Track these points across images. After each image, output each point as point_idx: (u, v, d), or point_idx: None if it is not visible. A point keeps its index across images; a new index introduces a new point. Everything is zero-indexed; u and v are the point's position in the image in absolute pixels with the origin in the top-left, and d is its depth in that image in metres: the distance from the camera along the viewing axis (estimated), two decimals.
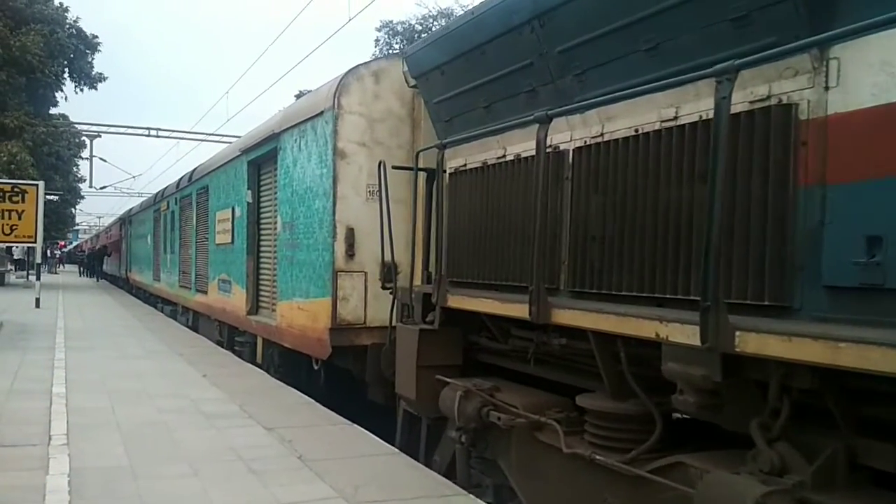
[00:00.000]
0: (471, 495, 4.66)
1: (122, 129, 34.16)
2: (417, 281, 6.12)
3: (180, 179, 17.18)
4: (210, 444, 5.78)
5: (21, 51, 26.18)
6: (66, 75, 31.86)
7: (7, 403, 7.07)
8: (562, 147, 4.32)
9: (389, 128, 7.31)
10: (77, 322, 16.04)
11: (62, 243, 67.88)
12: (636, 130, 3.74)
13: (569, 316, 3.86)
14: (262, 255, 10.35)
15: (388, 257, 5.96)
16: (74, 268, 61.08)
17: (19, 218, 18.88)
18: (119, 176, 54.05)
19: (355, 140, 7.21)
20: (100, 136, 33.96)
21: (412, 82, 6.63)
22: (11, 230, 18.92)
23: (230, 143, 16.28)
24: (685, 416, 3.66)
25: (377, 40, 35.96)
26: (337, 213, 7.14)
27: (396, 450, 5.75)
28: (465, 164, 5.39)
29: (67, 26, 31.48)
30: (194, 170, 15.65)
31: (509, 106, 4.82)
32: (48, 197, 26.57)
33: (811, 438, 2.88)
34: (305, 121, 7.97)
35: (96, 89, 33.61)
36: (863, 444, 2.78)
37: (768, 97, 3.05)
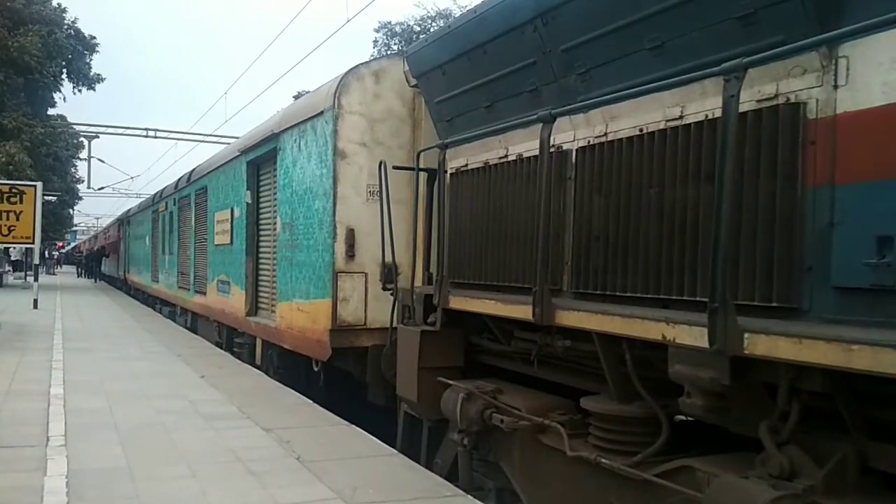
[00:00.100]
0: (469, 496, 4.63)
1: (120, 130, 34.07)
2: (418, 282, 6.08)
3: (179, 180, 17.13)
4: (208, 444, 5.76)
5: (19, 51, 26.15)
6: (64, 76, 31.83)
7: (5, 404, 7.04)
8: (565, 147, 4.28)
9: (390, 128, 7.26)
10: (75, 323, 16.00)
11: (60, 244, 67.75)
12: (641, 130, 3.70)
13: (573, 317, 3.82)
14: (261, 255, 10.30)
15: (388, 258, 5.93)
16: (72, 269, 61.00)
17: (17, 219, 18.81)
18: (117, 177, 54.17)
19: (355, 140, 7.16)
20: (98, 137, 33.90)
21: (413, 82, 6.60)
22: (9, 231, 18.86)
23: (228, 143, 16.24)
24: (689, 418, 3.63)
25: (375, 41, 35.98)
26: (337, 213, 7.10)
27: (395, 451, 5.73)
28: (466, 165, 5.35)
29: (66, 27, 31.45)
30: (193, 170, 15.60)
31: (511, 105, 4.78)
32: (46, 198, 26.49)
33: (821, 442, 2.85)
34: (305, 121, 7.93)
35: (94, 90, 33.64)
36: (874, 448, 2.74)
37: (776, 96, 3.01)
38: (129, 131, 34.22)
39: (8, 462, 5.12)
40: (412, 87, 6.93)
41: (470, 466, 5.18)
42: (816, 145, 2.84)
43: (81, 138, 36.04)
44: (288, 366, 8.95)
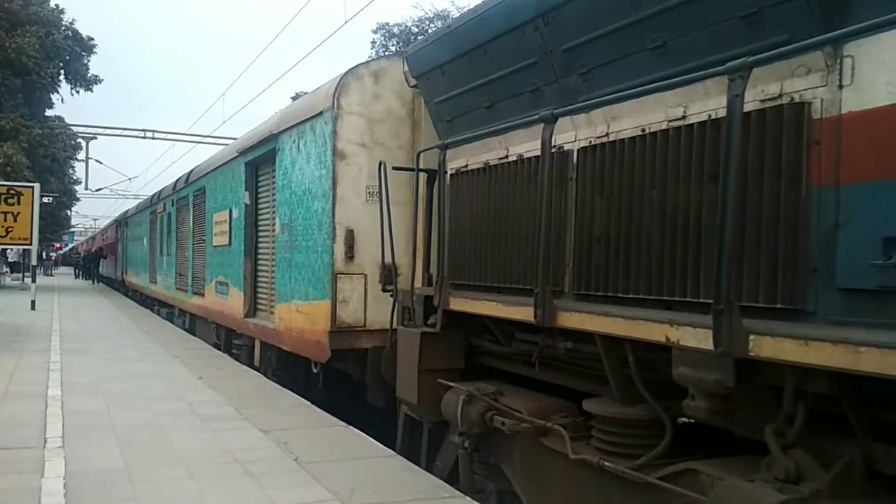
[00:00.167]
0: (467, 498, 4.62)
1: (118, 131, 33.97)
2: (418, 283, 6.05)
3: (177, 181, 17.09)
4: (206, 446, 5.75)
5: (17, 52, 26.11)
6: (61, 77, 31.76)
7: (2, 406, 7.02)
8: (566, 147, 4.26)
9: (389, 128, 7.24)
10: (73, 324, 15.96)
11: (58, 245, 67.67)
12: (643, 130, 3.68)
13: (575, 319, 3.79)
14: (259, 257, 10.27)
15: (388, 259, 5.90)
16: (70, 270, 60.88)
17: (15, 220, 18.80)
18: (115, 178, 53.83)
19: (355, 141, 7.14)
20: (96, 138, 33.84)
21: (413, 82, 6.57)
22: (7, 232, 18.84)
23: (226, 144, 16.20)
24: (691, 420, 3.60)
25: (373, 42, 36.04)
26: (336, 214, 7.07)
27: (393, 452, 5.72)
28: (466, 165, 5.32)
29: (63, 28, 31.38)
30: (191, 171, 15.55)
31: (512, 106, 4.76)
32: (44, 199, 26.46)
33: (827, 445, 2.82)
34: (304, 121, 7.90)
35: (92, 91, 33.57)
36: (881, 451, 2.72)
37: (780, 96, 2.99)
38: (126, 132, 34.16)
39: (5, 464, 5.11)
40: (412, 87, 6.90)
41: (471, 469, 5.15)
42: (821, 145, 2.81)
43: (79, 139, 36.02)
44: (287, 367, 8.92)
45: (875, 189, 2.61)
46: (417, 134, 7.21)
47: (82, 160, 35.65)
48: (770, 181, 2.95)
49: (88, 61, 33.18)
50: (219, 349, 11.98)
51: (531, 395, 4.73)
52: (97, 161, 35.45)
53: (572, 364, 4.35)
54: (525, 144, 4.60)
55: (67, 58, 31.44)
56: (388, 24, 35.63)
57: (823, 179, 2.79)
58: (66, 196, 42.44)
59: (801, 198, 2.85)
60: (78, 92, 33.15)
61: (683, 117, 3.46)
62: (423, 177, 5.86)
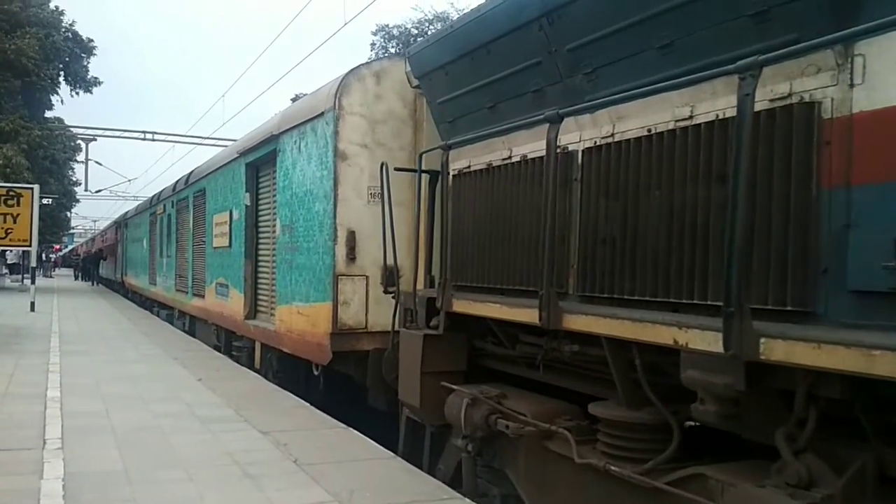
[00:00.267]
0: (466, 499, 4.61)
1: (117, 133, 33.95)
2: (420, 285, 6.01)
3: (177, 182, 17.05)
4: (205, 448, 5.75)
5: (16, 54, 26.09)
6: (61, 79, 31.76)
7: (2, 407, 7.01)
8: (570, 148, 4.21)
9: (391, 129, 7.20)
10: (72, 326, 15.94)
11: (57, 247, 67.65)
12: (649, 130, 3.64)
13: (581, 321, 3.75)
14: (260, 258, 10.23)
15: (390, 261, 5.87)
16: (69, 271, 60.84)
17: (14, 221, 18.77)
18: (115, 179, 54.10)
19: (356, 141, 7.10)
20: (95, 140, 33.78)
21: (415, 82, 6.52)
22: (6, 234, 18.81)
23: (226, 146, 16.16)
24: (696, 424, 3.56)
25: (373, 44, 36.04)
26: (338, 215, 7.03)
27: (392, 454, 5.70)
28: (469, 166, 5.28)
29: (63, 30, 31.39)
30: (191, 173, 15.52)
31: (515, 106, 4.72)
32: (43, 200, 26.39)
33: (839, 450, 2.77)
34: (305, 122, 7.86)
35: (92, 93, 33.60)
36: (893, 456, 2.67)
37: (789, 95, 2.94)
38: (126, 134, 34.14)
39: (4, 465, 5.11)
40: (414, 87, 6.86)
41: (474, 473, 5.11)
42: (832, 146, 2.77)
43: (79, 141, 35.97)
44: (287, 370, 8.88)
45: (887, 190, 2.56)
46: (419, 135, 7.17)
47: (82, 162, 35.70)
48: (780, 182, 2.90)
49: (88, 63, 33.26)
50: (219, 351, 11.95)
51: (535, 398, 4.69)
52: (97, 162, 35.48)
53: (577, 367, 4.30)
54: (529, 145, 4.56)
55: (67, 59, 31.47)
56: (387, 25, 35.70)
57: (834, 180, 2.75)
58: (65, 197, 42.39)
59: (812, 199, 2.81)
60: (77, 93, 33.23)
61: (690, 117, 3.42)
62: (425, 178, 5.82)
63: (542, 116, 4.03)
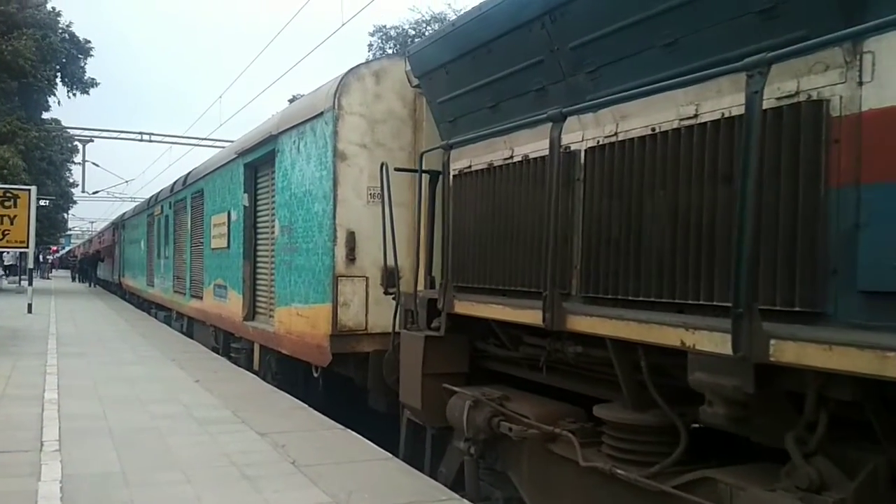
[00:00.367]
0: (464, 500, 4.58)
1: (114, 134, 33.90)
2: (421, 286, 5.97)
3: (174, 183, 16.99)
4: (203, 449, 5.73)
5: (13, 55, 26.03)
6: (58, 80, 31.68)
7: None
8: (573, 147, 4.17)
9: (391, 129, 7.16)
10: (69, 327, 15.89)
11: (55, 248, 67.54)
12: (653, 129, 3.59)
13: (585, 323, 3.71)
14: (258, 259, 10.18)
15: (390, 262, 5.83)
16: (67, 273, 60.73)
17: (11, 223, 18.74)
18: (112, 181, 54.09)
19: (356, 141, 7.06)
20: (92, 141, 33.76)
21: (415, 82, 6.47)
22: (3, 235, 18.77)
23: (223, 147, 16.11)
24: (702, 426, 3.51)
25: (370, 45, 35.97)
26: (337, 216, 6.99)
27: (390, 455, 5.68)
28: (470, 166, 5.24)
29: (60, 31, 31.32)
30: (189, 173, 15.46)
31: (517, 105, 4.68)
32: (40, 202, 26.28)
33: (850, 453, 2.73)
34: (304, 122, 7.82)
35: (89, 94, 33.54)
36: None
37: (797, 93, 2.90)
38: (123, 135, 34.07)
39: (2, 467, 5.10)
40: (414, 87, 6.82)
41: (477, 475, 5.06)
42: (840, 144, 2.73)
43: (76, 142, 35.91)
44: (286, 371, 8.84)
45: None
46: (419, 135, 7.13)
47: (79, 163, 35.68)
48: (788, 181, 2.86)
49: (85, 64, 33.23)
50: (217, 353, 11.90)
51: (538, 401, 4.65)
52: (94, 164, 35.50)
53: (581, 368, 4.26)
54: (530, 145, 4.51)
55: (64, 60, 31.39)
56: (384, 26, 35.62)
57: (843, 179, 2.71)
58: (62, 199, 42.35)
59: (820, 198, 2.77)
60: (74, 95, 33.16)
61: (695, 116, 3.37)
62: (425, 178, 5.78)
63: (544, 115, 3.99)
